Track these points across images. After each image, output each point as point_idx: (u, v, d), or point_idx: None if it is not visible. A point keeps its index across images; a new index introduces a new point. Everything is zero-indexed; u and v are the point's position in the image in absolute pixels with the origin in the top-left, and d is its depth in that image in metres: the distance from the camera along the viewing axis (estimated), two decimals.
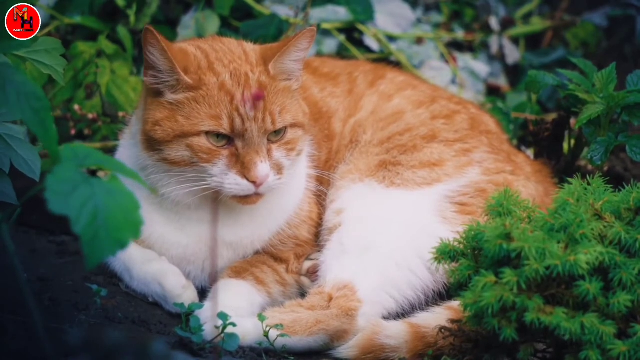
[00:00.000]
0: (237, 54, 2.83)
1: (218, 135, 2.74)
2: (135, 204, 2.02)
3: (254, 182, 2.72)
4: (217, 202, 2.79)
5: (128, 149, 2.96)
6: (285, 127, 2.79)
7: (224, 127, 2.72)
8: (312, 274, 2.94)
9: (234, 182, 2.74)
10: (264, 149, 2.74)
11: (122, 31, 3.69)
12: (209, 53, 2.82)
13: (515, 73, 4.24)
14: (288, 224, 2.97)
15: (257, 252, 2.97)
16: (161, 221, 2.89)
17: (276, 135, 2.79)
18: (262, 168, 2.72)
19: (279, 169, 2.78)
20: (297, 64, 2.84)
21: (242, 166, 2.73)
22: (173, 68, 2.74)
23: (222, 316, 2.58)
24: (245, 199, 2.78)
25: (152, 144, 2.78)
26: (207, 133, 2.73)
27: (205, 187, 2.75)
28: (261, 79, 2.78)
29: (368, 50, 3.96)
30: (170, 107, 2.76)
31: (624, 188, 2.55)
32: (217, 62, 2.80)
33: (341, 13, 3.91)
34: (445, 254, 2.56)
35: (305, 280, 2.96)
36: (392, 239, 2.85)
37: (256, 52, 2.86)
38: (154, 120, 2.77)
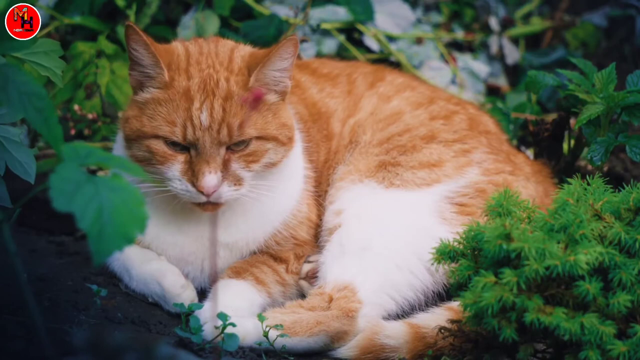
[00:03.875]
0: (221, 59, 2.81)
1: (173, 141, 2.74)
2: (139, 200, 2.03)
3: (201, 192, 2.71)
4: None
5: (121, 144, 2.97)
6: (251, 139, 2.76)
7: (177, 135, 2.72)
8: (311, 278, 2.94)
9: (185, 189, 2.73)
10: (217, 159, 2.72)
11: (122, 31, 3.69)
12: (191, 54, 2.81)
13: (515, 73, 4.24)
14: (285, 226, 2.97)
15: (253, 253, 2.97)
16: (157, 221, 2.88)
17: (237, 145, 2.75)
18: (209, 179, 2.69)
19: (236, 180, 2.75)
20: (281, 73, 2.79)
21: (192, 174, 2.72)
22: (156, 62, 2.74)
23: (222, 316, 2.58)
24: (202, 206, 2.77)
25: (124, 140, 2.82)
26: (164, 137, 2.74)
27: (164, 189, 2.75)
28: (231, 88, 2.75)
29: (368, 50, 3.96)
30: (141, 105, 2.78)
31: (623, 188, 2.55)
32: (195, 65, 2.78)
33: (341, 13, 3.91)
34: (445, 254, 2.56)
35: (304, 283, 2.95)
36: (391, 240, 2.85)
37: (244, 59, 2.83)
38: (126, 117, 2.81)
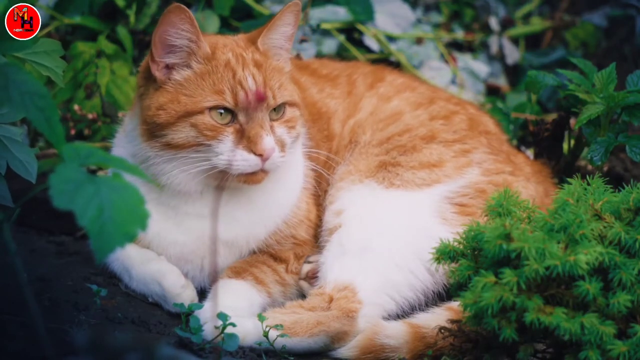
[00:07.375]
0: (230, 41, 2.89)
1: (222, 112, 2.75)
2: (139, 198, 2.03)
3: (260, 156, 2.74)
4: (218, 193, 2.80)
5: (122, 147, 2.97)
6: (285, 105, 2.84)
7: (228, 101, 2.76)
8: (311, 278, 2.94)
9: (240, 158, 2.74)
10: (267, 123, 2.78)
11: (122, 31, 3.69)
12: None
13: (515, 73, 4.24)
14: (285, 223, 2.98)
15: (253, 252, 2.97)
16: (157, 219, 2.87)
17: (276, 113, 2.83)
18: (268, 141, 2.74)
19: (281, 145, 2.81)
20: (284, 41, 2.89)
21: (248, 140, 2.74)
22: (198, 36, 2.77)
23: (222, 316, 2.58)
24: (250, 177, 2.78)
25: (154, 131, 2.79)
26: (211, 109, 2.75)
27: (211, 166, 2.76)
28: (255, 57, 2.84)
29: (368, 50, 3.96)
30: (174, 88, 2.78)
31: (623, 188, 2.55)
32: (217, 44, 2.86)
33: (341, 13, 3.91)
34: (445, 254, 2.56)
35: (304, 284, 2.95)
36: (392, 240, 2.85)
37: (242, 38, 2.92)
38: (157, 105, 2.78)
